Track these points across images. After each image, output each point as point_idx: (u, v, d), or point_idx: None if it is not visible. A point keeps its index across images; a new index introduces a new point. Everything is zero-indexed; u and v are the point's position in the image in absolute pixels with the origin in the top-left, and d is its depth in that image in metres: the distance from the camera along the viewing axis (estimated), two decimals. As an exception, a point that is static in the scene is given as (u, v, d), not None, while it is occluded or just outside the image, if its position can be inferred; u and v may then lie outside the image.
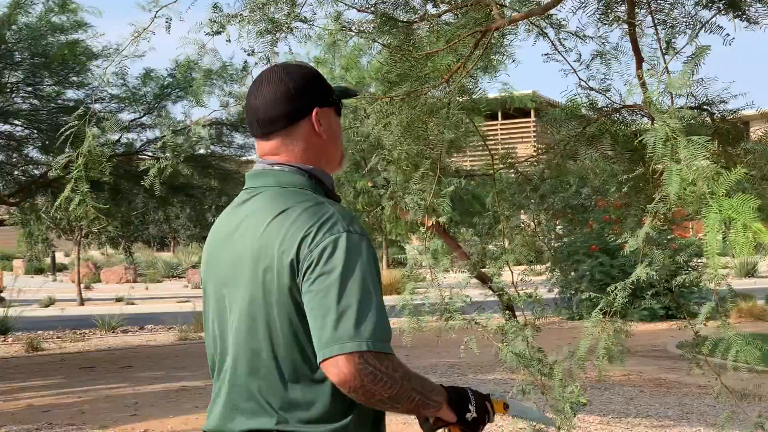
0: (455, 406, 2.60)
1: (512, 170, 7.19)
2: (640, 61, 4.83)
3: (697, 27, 3.74)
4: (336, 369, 2.31)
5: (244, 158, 19.31)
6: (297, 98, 2.62)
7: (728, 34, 4.02)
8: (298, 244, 2.41)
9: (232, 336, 2.58)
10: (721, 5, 3.82)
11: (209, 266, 2.71)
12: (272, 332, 2.48)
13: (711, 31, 3.87)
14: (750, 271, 30.06)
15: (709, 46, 3.44)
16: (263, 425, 2.50)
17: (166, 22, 5.56)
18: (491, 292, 5.49)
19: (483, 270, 6.37)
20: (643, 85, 4.88)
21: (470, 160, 31.01)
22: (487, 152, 6.65)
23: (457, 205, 23.71)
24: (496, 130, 44.42)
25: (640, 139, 4.63)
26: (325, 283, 2.35)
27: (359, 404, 2.43)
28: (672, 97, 3.98)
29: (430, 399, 2.50)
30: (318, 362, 2.37)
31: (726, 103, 5.14)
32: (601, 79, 5.33)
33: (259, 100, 2.66)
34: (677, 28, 4.60)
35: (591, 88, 5.28)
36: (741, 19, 3.97)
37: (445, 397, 2.58)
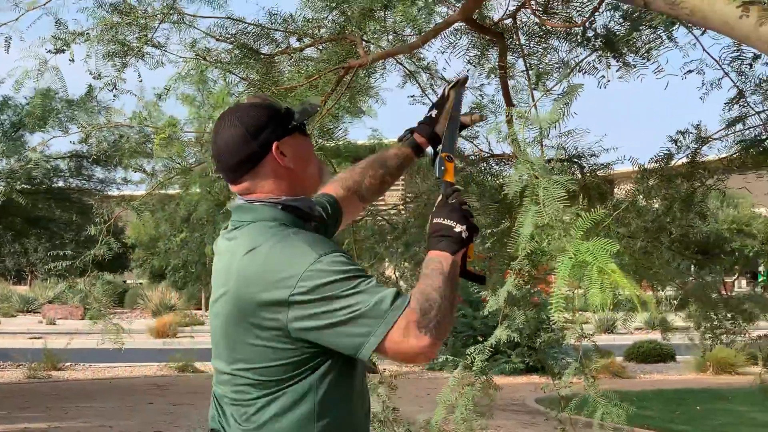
0: (454, 244, 2.66)
1: (377, 218, 6.97)
2: (510, 107, 4.62)
3: (570, 66, 3.54)
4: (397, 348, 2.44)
5: (105, 192, 18.77)
6: (253, 140, 2.64)
7: (603, 76, 3.84)
8: (265, 282, 2.49)
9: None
10: (597, 44, 3.64)
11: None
12: (234, 352, 2.62)
13: (585, 72, 3.69)
14: (609, 327, 30.61)
15: (582, 84, 3.28)
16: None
17: (6, 41, 5.10)
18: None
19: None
20: (509, 122, 4.70)
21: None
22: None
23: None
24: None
25: (506, 190, 4.42)
26: (321, 317, 2.45)
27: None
28: (542, 145, 3.75)
29: (447, 275, 2.59)
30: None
31: (596, 156, 4.98)
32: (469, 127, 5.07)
33: (218, 148, 2.69)
34: (550, 73, 4.43)
35: (460, 135, 5.02)
36: (617, 62, 3.80)
37: (447, 257, 2.64)
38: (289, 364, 2.53)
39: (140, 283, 43.89)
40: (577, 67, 3.56)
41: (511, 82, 4.66)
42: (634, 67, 3.84)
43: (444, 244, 2.66)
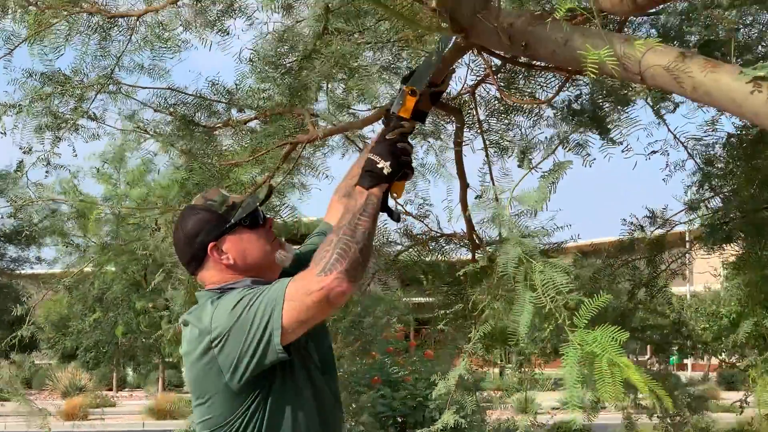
0: (372, 179, 2.77)
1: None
2: (465, 186, 4.46)
3: (554, 142, 3.40)
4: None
5: (18, 271, 18.33)
6: (190, 244, 2.93)
7: (588, 154, 3.70)
8: (189, 344, 2.81)
9: None
10: (583, 119, 3.51)
11: None
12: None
13: (570, 149, 3.56)
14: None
15: (571, 161, 3.16)
16: None
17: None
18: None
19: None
20: (465, 208, 4.53)
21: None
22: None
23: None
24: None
25: (462, 271, 4.24)
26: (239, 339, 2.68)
27: None
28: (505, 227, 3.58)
29: (358, 210, 2.71)
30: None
31: (549, 235, 4.83)
32: (420, 205, 4.93)
33: (174, 248, 3.04)
34: (510, 150, 4.29)
35: (408, 213, 4.86)
36: (603, 139, 3.67)
37: (362, 192, 2.76)
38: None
39: (50, 364, 42.70)
40: (562, 143, 3.41)
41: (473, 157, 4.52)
42: (621, 143, 3.71)
43: (364, 179, 2.79)
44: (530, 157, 3.54)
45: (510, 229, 2.89)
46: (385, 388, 20.95)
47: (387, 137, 2.84)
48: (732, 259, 5.83)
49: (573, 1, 2.56)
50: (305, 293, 2.59)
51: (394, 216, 2.92)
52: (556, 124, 3.58)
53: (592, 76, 2.48)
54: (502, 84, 4.05)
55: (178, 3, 4.64)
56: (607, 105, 3.67)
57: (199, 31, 4.77)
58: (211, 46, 4.73)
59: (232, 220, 2.91)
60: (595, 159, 3.67)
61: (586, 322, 2.54)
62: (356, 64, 4.47)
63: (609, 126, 3.65)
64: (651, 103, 3.92)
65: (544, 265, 2.65)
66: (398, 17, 3.55)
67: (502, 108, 4.33)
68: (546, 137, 3.82)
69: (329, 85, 4.84)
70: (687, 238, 5.74)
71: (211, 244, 2.89)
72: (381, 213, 2.81)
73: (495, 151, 4.41)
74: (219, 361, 2.69)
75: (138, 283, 20.62)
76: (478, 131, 4.37)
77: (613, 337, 2.46)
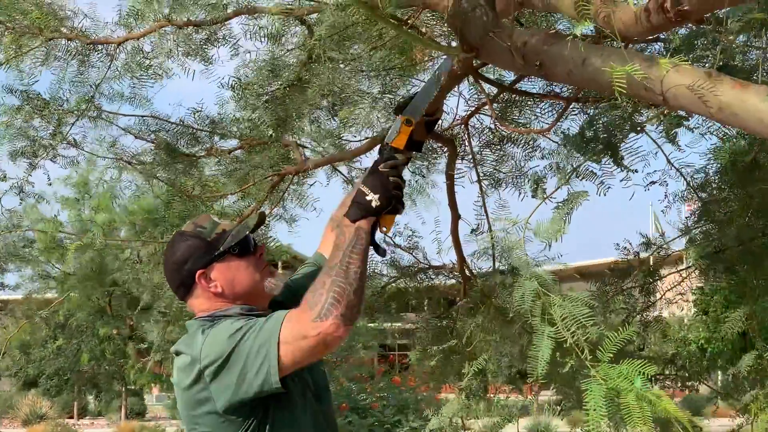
0: (359, 211, 2.70)
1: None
2: (456, 217, 4.36)
3: (567, 170, 3.30)
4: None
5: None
6: (178, 271, 2.86)
7: (602, 182, 3.60)
8: (180, 373, 2.73)
9: None
10: (598, 146, 3.41)
11: None
12: None
13: (583, 178, 3.46)
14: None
15: (587, 192, 3.07)
16: None
17: None
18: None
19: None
20: (456, 239, 4.43)
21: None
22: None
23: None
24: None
25: (457, 305, 4.15)
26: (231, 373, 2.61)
27: None
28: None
29: (346, 247, 2.64)
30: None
31: (539, 266, 4.74)
32: (408, 236, 4.83)
33: (165, 275, 2.98)
34: (505, 183, 4.20)
35: (396, 245, 4.76)
36: (618, 166, 3.58)
37: (348, 225, 2.69)
38: None
39: (7, 391, 42.09)
40: (575, 173, 3.32)
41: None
42: (636, 171, 3.64)
43: (352, 211, 2.71)
44: (543, 186, 3.43)
45: (523, 261, 2.78)
46: (352, 414, 20.82)
47: (380, 169, 2.77)
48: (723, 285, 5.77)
49: (589, 21, 2.48)
50: (301, 337, 2.54)
51: (380, 251, 2.84)
52: (568, 153, 3.47)
53: (620, 93, 2.38)
54: (497, 112, 3.95)
55: (160, 30, 4.51)
56: (621, 132, 3.57)
57: (181, 59, 4.65)
58: (194, 75, 4.62)
59: (221, 248, 2.84)
60: (610, 188, 3.58)
61: (611, 356, 2.44)
62: (345, 92, 4.36)
63: (622, 154, 3.56)
64: (664, 129, 3.84)
65: (563, 298, 2.54)
66: (405, 35, 3.44)
67: (495, 139, 4.24)
68: (551, 166, 3.72)
69: (316, 114, 4.73)
70: (684, 264, 5.67)
71: (199, 272, 2.83)
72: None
73: (489, 183, 4.31)
74: (211, 389, 2.63)
75: (102, 310, 20.30)
76: (472, 164, 4.27)
77: (639, 371, 2.37)
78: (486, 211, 4.35)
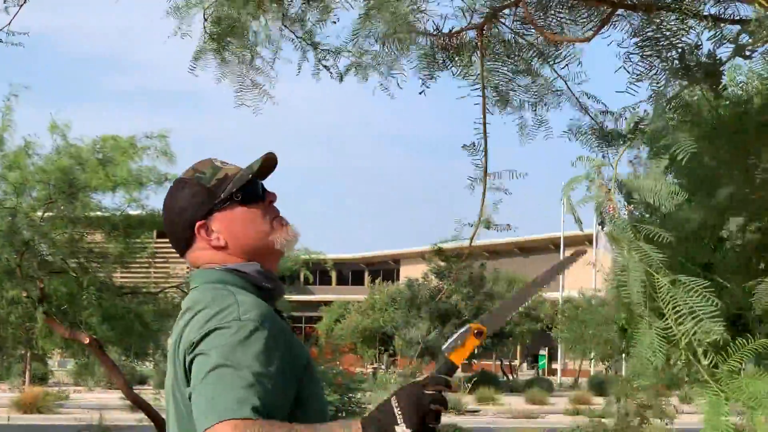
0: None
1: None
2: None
3: (665, 98, 2.84)
4: None
5: None
6: (177, 222, 2.64)
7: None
8: (187, 341, 2.43)
9: None
10: (698, 74, 2.98)
11: None
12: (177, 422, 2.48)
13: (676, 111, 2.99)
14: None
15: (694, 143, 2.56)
16: None
17: None
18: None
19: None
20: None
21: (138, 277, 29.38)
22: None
23: (117, 324, 21.98)
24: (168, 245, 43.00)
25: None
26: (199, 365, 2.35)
27: None
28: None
29: None
30: None
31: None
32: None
33: (163, 226, 2.73)
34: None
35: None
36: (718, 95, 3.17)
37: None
38: None
39: None
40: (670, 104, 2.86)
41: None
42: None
43: (369, 426, 2.26)
44: (642, 126, 2.95)
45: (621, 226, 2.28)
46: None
47: (425, 391, 2.28)
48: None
49: None
50: None
51: None
52: (666, 80, 3.03)
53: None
54: (532, 15, 3.50)
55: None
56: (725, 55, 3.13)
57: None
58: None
59: (222, 195, 2.60)
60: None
61: (737, 365, 2.02)
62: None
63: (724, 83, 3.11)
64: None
65: (673, 283, 2.07)
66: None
67: (517, 49, 3.79)
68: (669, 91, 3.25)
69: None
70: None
71: (198, 223, 2.61)
72: None
73: (497, 103, 3.86)
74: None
75: (12, 271, 19.43)
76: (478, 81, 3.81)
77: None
78: (485, 132, 3.90)
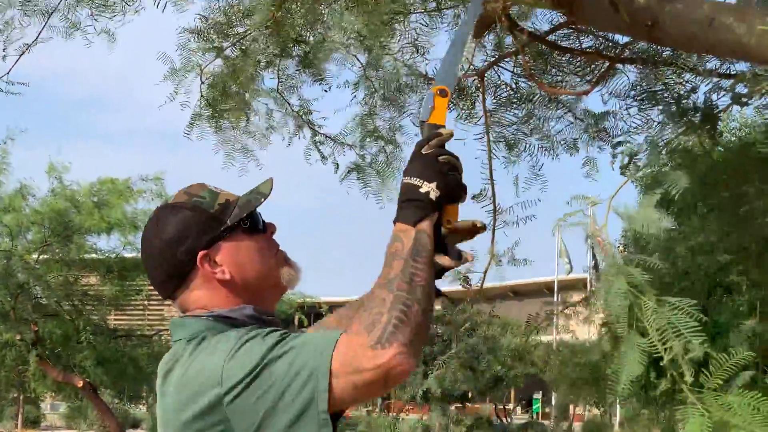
0: (417, 210, 2.12)
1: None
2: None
3: (659, 144, 2.94)
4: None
5: None
6: (171, 254, 2.23)
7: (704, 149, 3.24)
8: (186, 399, 2.06)
9: None
10: (695, 118, 3.05)
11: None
12: None
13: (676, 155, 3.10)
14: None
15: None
16: None
17: None
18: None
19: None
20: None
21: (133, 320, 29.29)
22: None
23: (111, 367, 21.91)
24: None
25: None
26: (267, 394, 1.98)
27: None
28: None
29: (408, 256, 2.06)
30: None
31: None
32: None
33: (145, 261, 2.30)
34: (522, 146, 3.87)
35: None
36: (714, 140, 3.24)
37: (407, 230, 2.11)
38: None
39: None
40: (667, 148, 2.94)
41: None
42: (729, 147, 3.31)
43: (407, 212, 2.14)
44: (636, 162, 3.02)
45: (609, 254, 2.35)
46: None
47: (423, 152, 2.19)
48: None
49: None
50: (354, 370, 1.94)
51: (453, 254, 2.18)
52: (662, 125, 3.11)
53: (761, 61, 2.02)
54: (531, 67, 3.58)
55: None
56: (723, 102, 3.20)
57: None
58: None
59: (229, 222, 2.24)
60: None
61: (721, 382, 2.04)
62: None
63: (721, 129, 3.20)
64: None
65: (659, 303, 2.11)
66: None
67: (517, 96, 3.87)
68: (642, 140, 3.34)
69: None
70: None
71: (201, 253, 2.21)
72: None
73: (504, 147, 3.93)
74: (232, 420, 2.01)
75: (6, 314, 19.40)
76: (484, 125, 3.89)
77: (753, 405, 1.98)
78: (492, 177, 3.98)
